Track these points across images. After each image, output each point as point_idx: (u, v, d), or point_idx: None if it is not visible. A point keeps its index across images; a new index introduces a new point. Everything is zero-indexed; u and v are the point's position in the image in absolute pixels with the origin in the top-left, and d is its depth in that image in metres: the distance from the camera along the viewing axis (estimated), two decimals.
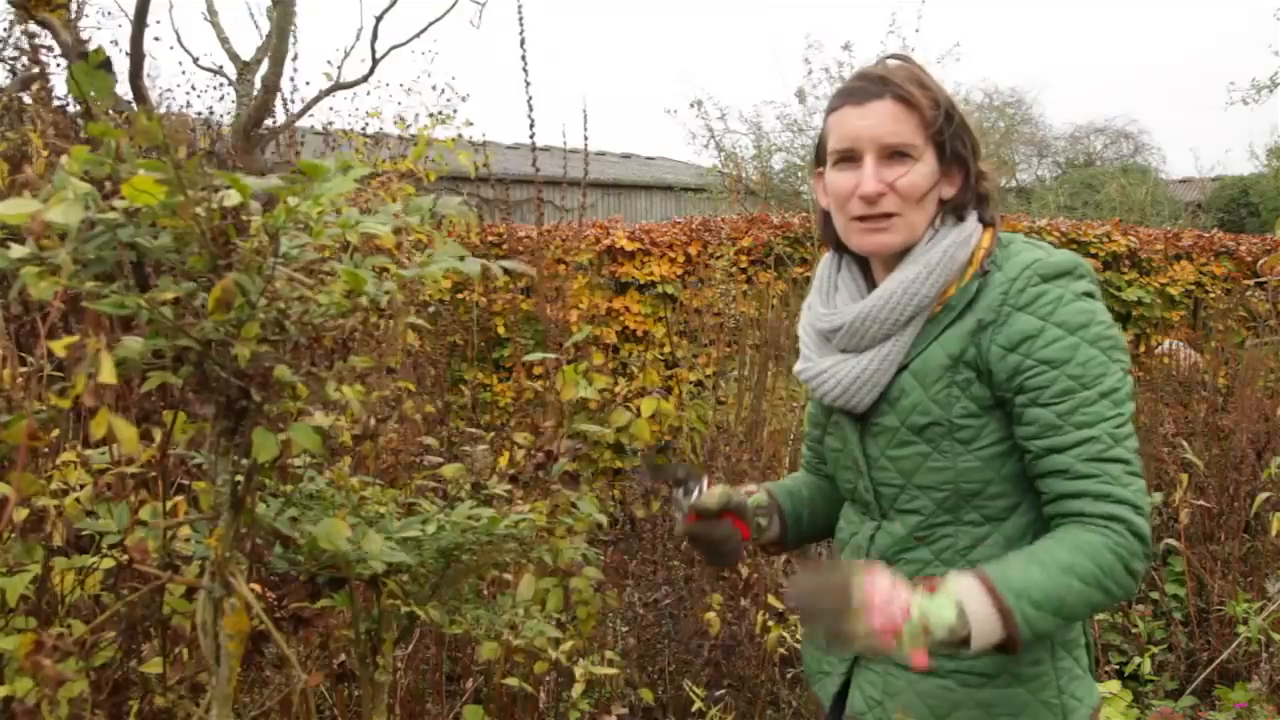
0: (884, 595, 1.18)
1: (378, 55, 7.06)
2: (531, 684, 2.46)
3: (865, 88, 1.38)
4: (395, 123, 6.33)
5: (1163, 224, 12.95)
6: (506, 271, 1.18)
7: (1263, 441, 3.93)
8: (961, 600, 1.22)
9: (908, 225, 1.38)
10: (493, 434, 2.58)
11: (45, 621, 1.43)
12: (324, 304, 1.11)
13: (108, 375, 0.92)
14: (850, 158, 1.39)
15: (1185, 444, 3.84)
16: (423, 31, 7.38)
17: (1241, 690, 3.28)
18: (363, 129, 6.41)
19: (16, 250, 0.94)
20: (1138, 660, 3.39)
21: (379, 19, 7.19)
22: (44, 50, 3.99)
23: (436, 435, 2.62)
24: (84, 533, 1.41)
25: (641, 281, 5.61)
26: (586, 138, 3.51)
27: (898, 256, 1.41)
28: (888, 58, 1.43)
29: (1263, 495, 3.52)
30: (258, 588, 1.40)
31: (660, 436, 4.61)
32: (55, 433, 1.47)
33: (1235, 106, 21.38)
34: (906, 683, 1.41)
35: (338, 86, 6.79)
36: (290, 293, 1.08)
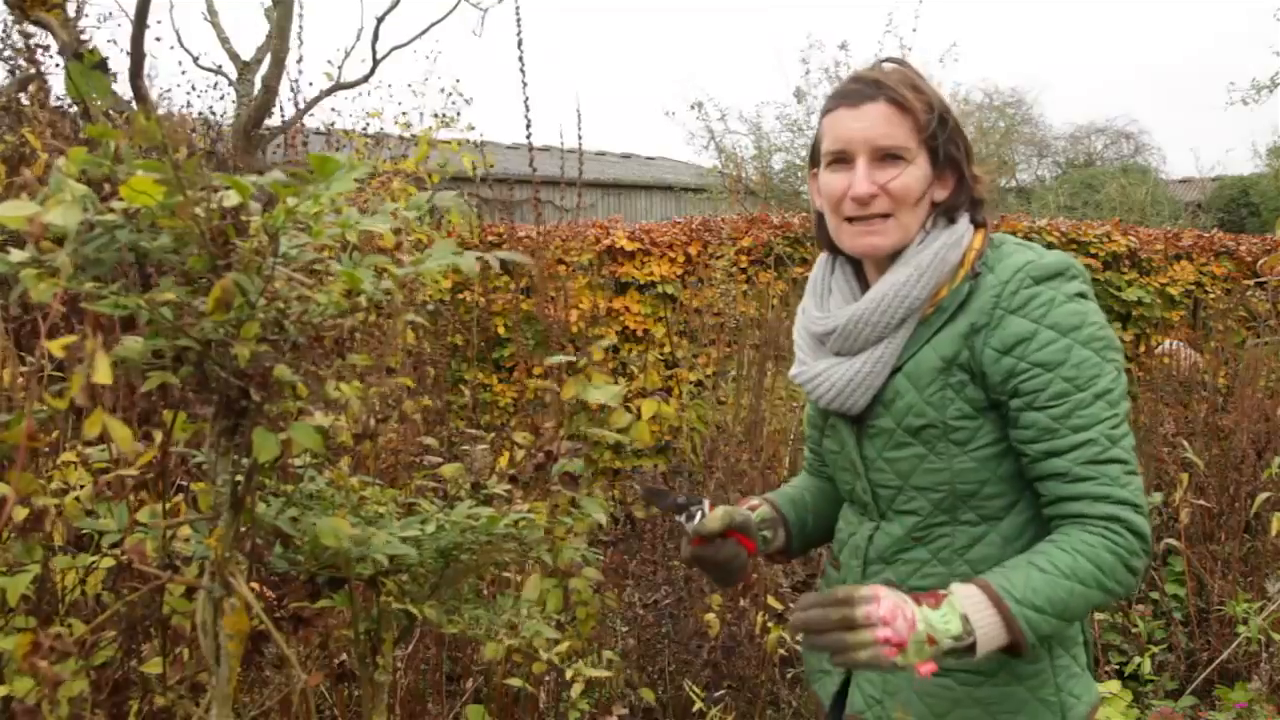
0: (889, 610, 1.18)
1: (378, 56, 7.07)
2: (531, 684, 2.46)
3: (859, 90, 1.38)
4: (396, 123, 6.34)
5: (1163, 224, 12.96)
6: (505, 268, 1.18)
7: (1263, 441, 3.93)
8: (965, 610, 1.23)
9: (900, 227, 1.39)
10: (493, 434, 2.58)
11: (45, 621, 1.43)
12: (323, 303, 1.11)
13: (103, 375, 0.92)
14: (843, 159, 1.40)
15: (1185, 444, 3.84)
16: (424, 33, 7.38)
17: (1241, 690, 3.28)
18: (363, 129, 6.42)
19: (16, 254, 0.94)
20: (1138, 660, 3.39)
21: (380, 20, 7.19)
22: (41, 50, 4.00)
23: (436, 435, 2.63)
24: (83, 532, 1.41)
25: (641, 281, 5.62)
26: (581, 137, 3.51)
27: (890, 259, 1.41)
28: (883, 60, 1.43)
29: (1263, 495, 3.52)
30: (257, 587, 1.40)
31: (660, 437, 4.62)
32: (55, 434, 1.47)
33: (1235, 106, 21.38)
34: (906, 681, 1.41)
35: (338, 87, 6.79)
36: (290, 292, 1.08)
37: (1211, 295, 6.79)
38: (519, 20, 3.07)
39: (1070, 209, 16.17)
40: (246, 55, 6.41)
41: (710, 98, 20.84)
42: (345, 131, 6.33)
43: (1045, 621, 1.25)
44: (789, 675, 3.10)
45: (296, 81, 4.56)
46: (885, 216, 1.38)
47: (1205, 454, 3.85)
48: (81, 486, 1.39)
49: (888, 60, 1.44)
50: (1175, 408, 4.36)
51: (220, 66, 7.25)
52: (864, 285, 1.47)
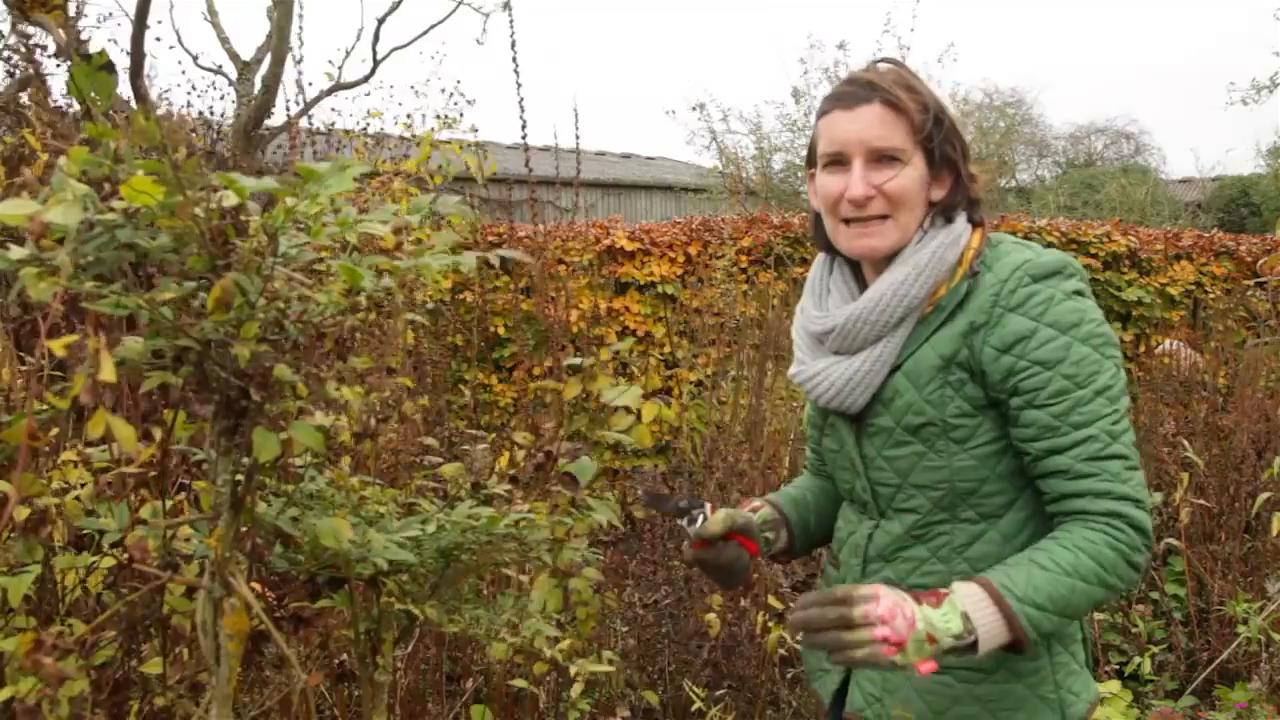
0: (887, 609, 1.19)
1: (379, 56, 7.07)
2: (532, 684, 2.46)
3: (854, 92, 1.39)
4: (400, 124, 6.33)
5: (1163, 224, 12.96)
6: (504, 268, 1.18)
7: (1263, 441, 3.93)
8: (966, 609, 1.24)
9: (897, 228, 1.39)
10: (493, 434, 2.58)
11: (46, 621, 1.43)
12: (323, 303, 1.11)
13: (107, 374, 0.92)
14: (839, 161, 1.40)
15: (1185, 443, 3.84)
16: (423, 34, 7.39)
17: (1241, 690, 3.28)
18: (363, 129, 6.42)
19: (16, 251, 0.94)
20: (1138, 660, 3.39)
21: (381, 21, 7.20)
22: (39, 51, 4.00)
23: (436, 435, 2.63)
24: (84, 532, 1.41)
25: (641, 281, 5.61)
26: (578, 137, 3.52)
27: (888, 258, 1.41)
28: (878, 62, 1.44)
29: (1264, 495, 3.52)
30: (258, 587, 1.40)
31: (660, 437, 4.62)
32: (54, 431, 1.47)
33: (1235, 106, 21.40)
34: (905, 679, 1.42)
35: (338, 87, 6.80)
36: (289, 292, 1.09)
37: (1211, 295, 6.79)
38: (512, 23, 3.08)
39: (1070, 209, 16.17)
40: (246, 55, 6.42)
41: (713, 98, 20.80)
42: (346, 131, 6.33)
43: (1047, 619, 1.26)
44: (789, 675, 3.10)
45: (300, 81, 4.56)
46: (882, 218, 1.39)
47: (1205, 454, 3.85)
48: (82, 485, 1.39)
49: (883, 61, 1.44)
50: (1175, 408, 4.36)
51: (221, 67, 7.26)
52: (862, 285, 1.48)
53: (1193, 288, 6.89)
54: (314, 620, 1.41)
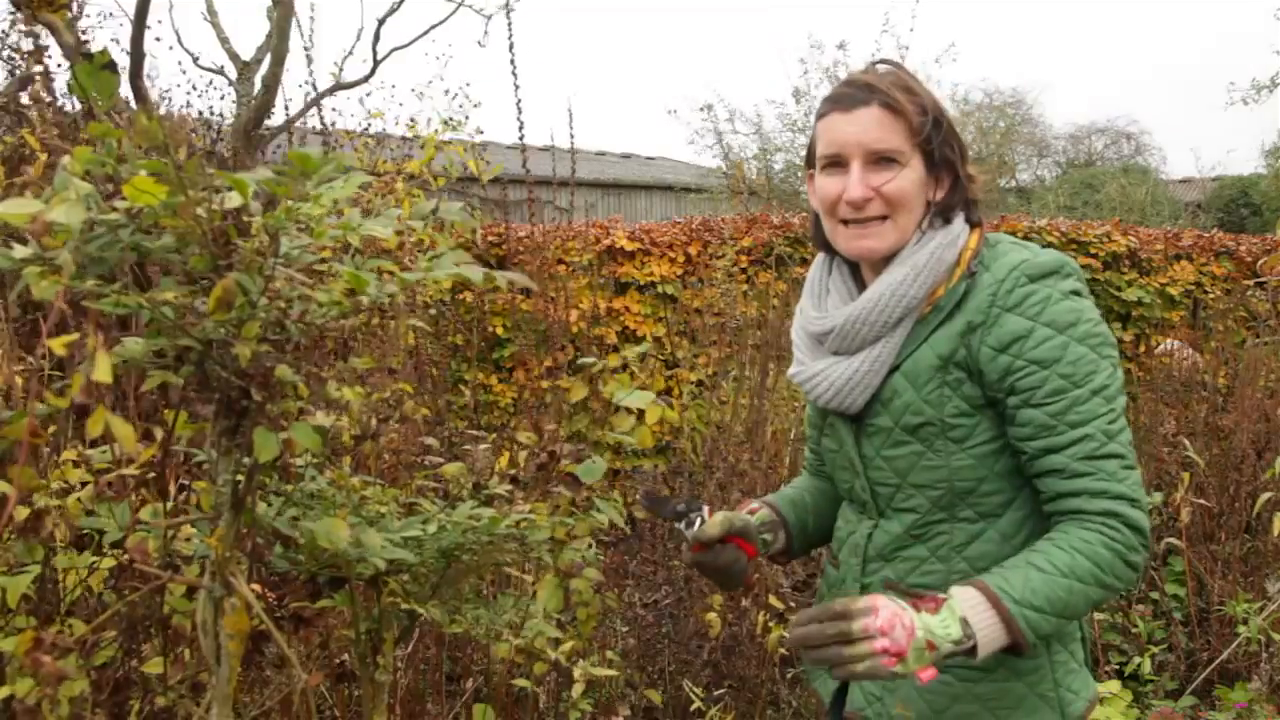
0: (886, 621, 1.19)
1: (379, 57, 7.07)
2: (532, 683, 2.46)
3: (852, 95, 1.39)
4: (404, 125, 6.33)
5: (1163, 224, 12.96)
6: (510, 280, 1.18)
7: (1263, 441, 3.93)
8: (964, 613, 1.24)
9: (896, 230, 1.39)
10: (494, 435, 2.58)
11: (45, 621, 1.43)
12: (324, 303, 1.11)
13: (103, 373, 0.92)
14: (837, 163, 1.40)
15: (1186, 442, 3.84)
16: (424, 35, 7.39)
17: (1241, 690, 3.28)
18: (365, 129, 6.42)
19: (19, 250, 0.94)
20: (1138, 660, 3.39)
21: (381, 21, 7.19)
22: (41, 50, 4.00)
23: (437, 436, 2.63)
24: (84, 532, 1.41)
25: (641, 281, 5.61)
26: (573, 136, 3.53)
27: (886, 259, 1.41)
28: (876, 63, 1.44)
29: (1265, 495, 3.52)
30: (258, 587, 1.40)
31: (660, 437, 4.62)
32: (52, 429, 1.47)
33: (1235, 106, 21.40)
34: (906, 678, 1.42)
35: (338, 87, 6.79)
36: (291, 292, 1.09)
37: (1211, 295, 6.79)
38: (510, 26, 3.09)
39: (1070, 209, 16.17)
40: (246, 55, 6.41)
41: (720, 99, 20.80)
42: (346, 132, 6.33)
43: (1045, 620, 1.26)
44: (789, 675, 3.10)
45: (311, 81, 4.57)
46: (881, 219, 1.39)
47: (1205, 454, 3.85)
48: (83, 485, 1.39)
49: (881, 63, 1.44)
50: (1175, 408, 4.36)
51: (222, 67, 7.25)
52: (861, 285, 1.48)
53: (1193, 288, 6.89)
54: (314, 620, 1.42)
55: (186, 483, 1.51)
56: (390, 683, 1.59)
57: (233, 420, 1.13)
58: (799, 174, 15.58)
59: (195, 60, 7.42)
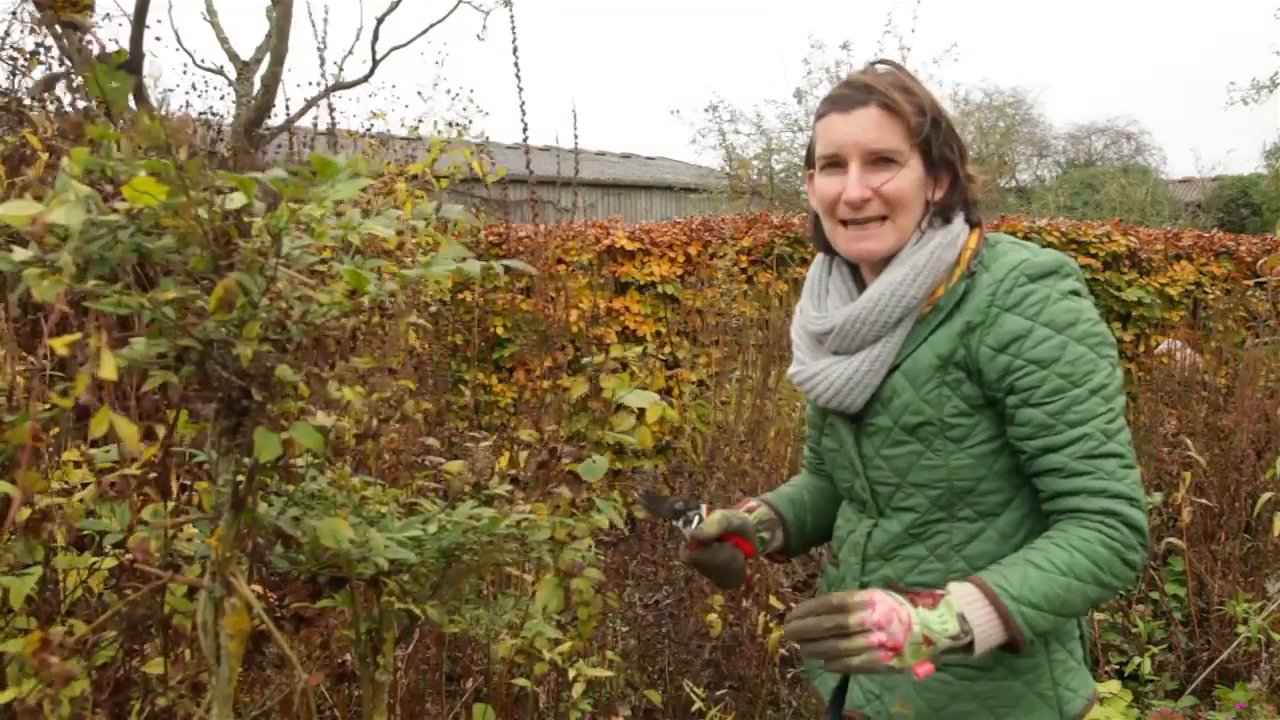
0: (883, 615, 1.19)
1: (378, 56, 7.08)
2: (532, 683, 2.47)
3: (851, 95, 1.39)
4: (409, 128, 6.33)
5: (1163, 224, 12.96)
6: (507, 270, 1.19)
7: (1263, 441, 3.93)
8: (962, 609, 1.24)
9: (895, 230, 1.40)
10: (494, 435, 2.58)
11: (46, 621, 1.43)
12: (325, 303, 1.11)
13: (109, 371, 0.92)
14: (836, 163, 1.41)
15: (1188, 441, 3.84)
16: (423, 34, 7.40)
17: (1241, 690, 3.28)
18: (367, 130, 6.42)
19: (20, 253, 0.94)
20: (1138, 660, 3.39)
21: (380, 20, 7.20)
22: (44, 50, 4.00)
23: (437, 436, 2.63)
24: (84, 532, 1.41)
25: (641, 281, 5.62)
26: (577, 137, 3.53)
27: (886, 259, 1.42)
28: (876, 63, 1.44)
29: (1265, 495, 3.52)
30: (259, 588, 1.40)
31: (660, 437, 4.62)
32: (55, 431, 1.47)
33: (1235, 106, 21.41)
34: (904, 676, 1.42)
35: (337, 86, 6.80)
36: (292, 292, 1.09)
37: (1211, 295, 6.79)
38: (514, 27, 3.10)
39: (1070, 209, 16.17)
40: (246, 55, 6.42)
41: (723, 99, 20.80)
42: (348, 132, 6.33)
43: (1042, 618, 1.26)
44: (789, 675, 3.10)
45: (323, 82, 4.56)
46: (880, 220, 1.39)
47: (1205, 454, 3.85)
48: (83, 485, 1.39)
49: (880, 63, 1.44)
50: (1175, 408, 4.36)
51: (222, 67, 7.26)
52: (861, 285, 1.48)
53: (1193, 288, 6.89)
54: (315, 620, 1.42)
55: (188, 482, 1.51)
56: (390, 683, 1.59)
57: (234, 420, 1.13)
58: (800, 174, 15.59)
59: (195, 60, 7.43)
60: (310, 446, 1.14)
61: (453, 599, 1.53)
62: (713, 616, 2.68)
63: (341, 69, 7.08)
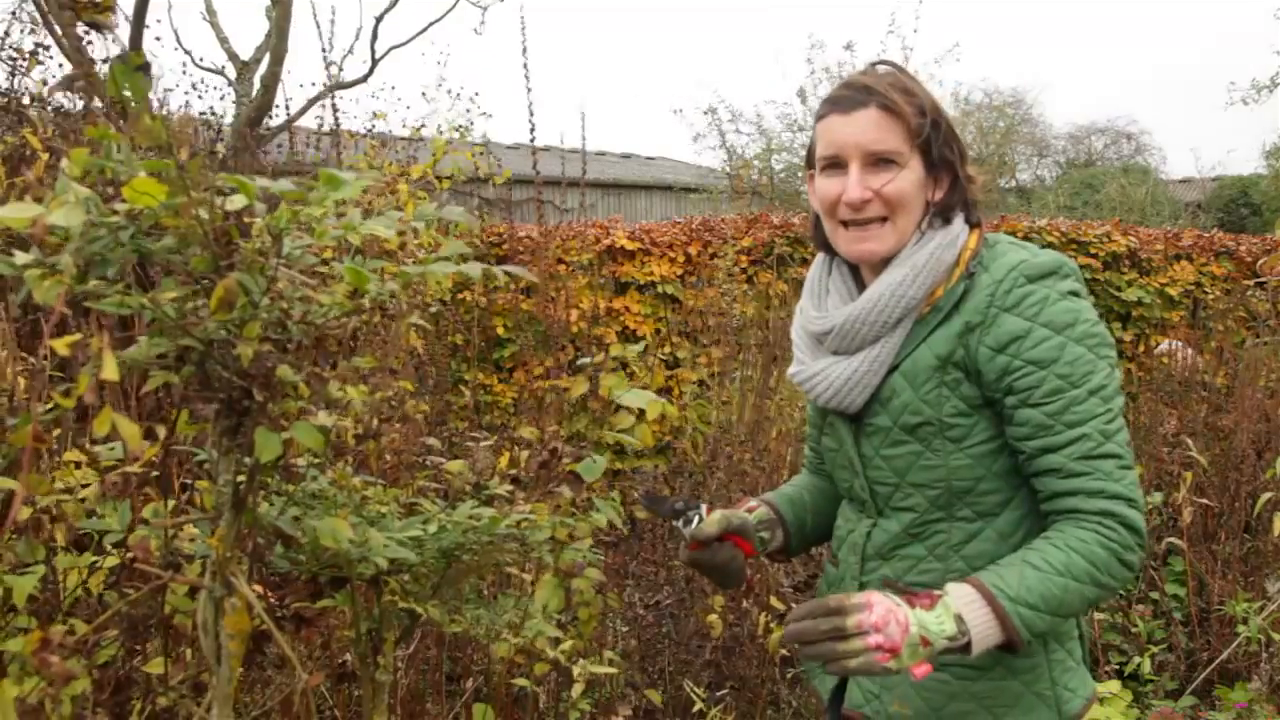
0: (880, 617, 1.19)
1: (377, 55, 7.08)
2: (532, 683, 2.47)
3: (850, 96, 1.40)
4: (411, 129, 6.33)
5: (1163, 224, 12.95)
6: (507, 272, 1.19)
7: (1263, 441, 3.93)
8: (959, 610, 1.24)
9: (895, 231, 1.40)
10: (494, 435, 2.58)
11: (47, 620, 1.43)
12: (326, 304, 1.11)
13: (111, 372, 0.92)
14: (837, 164, 1.41)
15: (1189, 441, 3.84)
16: (422, 32, 7.40)
17: (1241, 690, 3.28)
18: (369, 130, 6.42)
19: (21, 257, 0.94)
20: (1138, 660, 3.39)
21: (379, 19, 7.20)
22: (43, 50, 4.00)
23: (437, 436, 2.63)
24: (84, 532, 1.41)
25: (641, 281, 5.62)
26: (584, 138, 3.53)
27: (886, 259, 1.42)
28: (876, 64, 1.44)
29: (1265, 495, 3.52)
30: (259, 587, 1.41)
31: (660, 437, 4.62)
32: (56, 432, 1.48)
33: (1235, 106, 21.41)
34: (903, 676, 1.42)
35: (337, 86, 6.80)
36: (293, 293, 1.09)
37: (1211, 295, 6.79)
38: (524, 29, 3.09)
39: (1070, 209, 16.17)
40: (245, 55, 6.42)
41: (723, 100, 20.79)
42: (350, 133, 6.33)
43: (1039, 618, 1.26)
44: (789, 675, 3.10)
45: (326, 82, 4.58)
46: (881, 220, 1.40)
47: (1206, 454, 3.85)
48: (85, 485, 1.39)
49: (881, 64, 1.45)
50: (1175, 408, 4.36)
51: (222, 67, 7.26)
52: (861, 285, 1.48)
53: (1192, 288, 6.89)
54: (315, 620, 1.42)
55: (189, 482, 1.51)
56: (391, 683, 1.59)
57: (234, 420, 1.13)
58: (800, 174, 15.59)
59: (195, 60, 7.43)
60: (311, 446, 1.14)
61: (453, 599, 1.53)
62: (713, 617, 2.68)
63: (341, 69, 7.08)
